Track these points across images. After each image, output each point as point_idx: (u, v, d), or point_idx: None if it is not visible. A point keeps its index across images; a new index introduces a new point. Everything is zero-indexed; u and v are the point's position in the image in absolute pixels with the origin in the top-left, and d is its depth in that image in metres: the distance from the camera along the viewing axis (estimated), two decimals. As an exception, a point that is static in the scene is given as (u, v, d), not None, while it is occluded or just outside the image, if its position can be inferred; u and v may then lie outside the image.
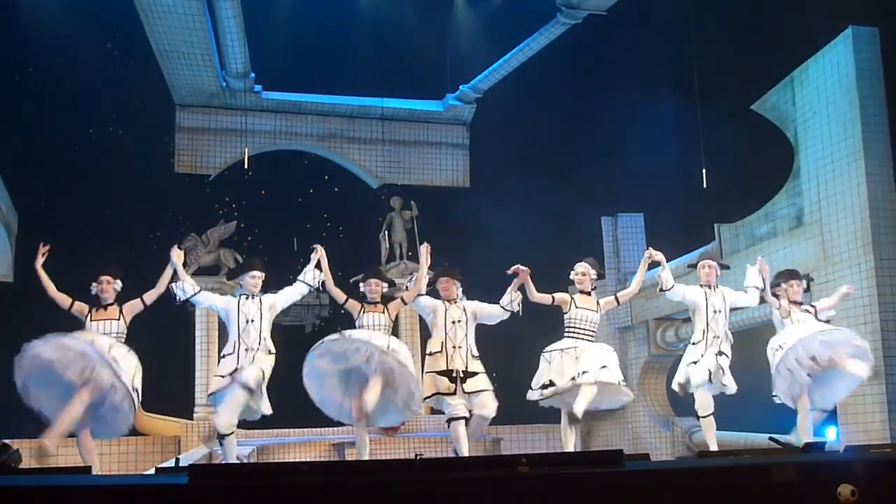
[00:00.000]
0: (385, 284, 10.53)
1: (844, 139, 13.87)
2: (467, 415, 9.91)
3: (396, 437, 17.03)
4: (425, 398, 9.95)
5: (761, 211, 15.81)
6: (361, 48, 19.54)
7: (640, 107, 18.11)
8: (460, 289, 10.45)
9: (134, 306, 9.93)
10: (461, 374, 9.91)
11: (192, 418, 17.58)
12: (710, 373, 10.46)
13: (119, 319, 9.77)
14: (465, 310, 10.27)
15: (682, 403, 15.80)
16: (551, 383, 10.25)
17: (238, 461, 10.14)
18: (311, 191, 20.58)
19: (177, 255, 10.04)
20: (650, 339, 18.43)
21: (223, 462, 9.71)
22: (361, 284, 10.53)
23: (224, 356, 9.78)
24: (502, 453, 15.97)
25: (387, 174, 21.05)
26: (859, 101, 13.66)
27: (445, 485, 5.59)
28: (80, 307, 9.73)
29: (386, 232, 20.21)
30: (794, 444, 9.80)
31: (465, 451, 9.85)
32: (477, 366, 10.05)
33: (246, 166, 18.47)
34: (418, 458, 6.08)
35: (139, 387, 9.53)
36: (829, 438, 11.84)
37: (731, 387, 10.55)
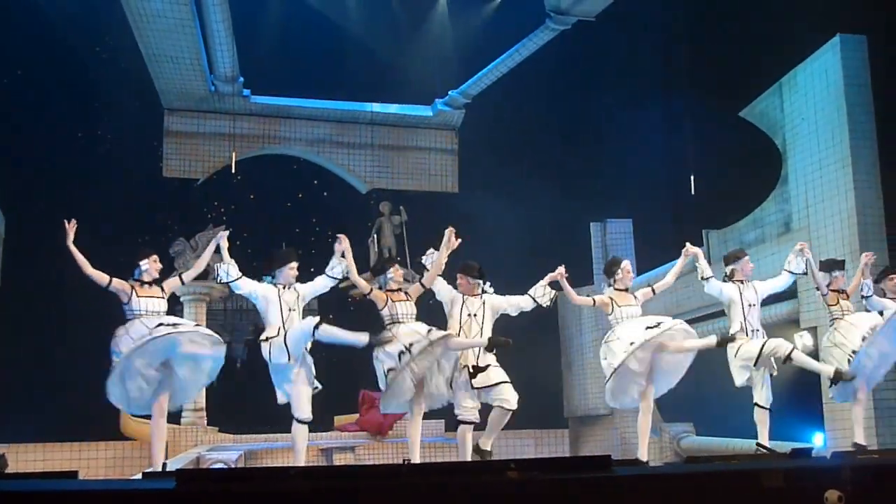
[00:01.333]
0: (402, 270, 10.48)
1: (832, 146, 13.92)
2: (477, 420, 9.89)
3: (384, 442, 17.02)
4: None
5: (749, 217, 15.85)
6: (350, 53, 19.54)
7: (629, 113, 18.15)
8: (486, 284, 10.44)
9: (173, 284, 10.27)
10: (471, 370, 9.83)
11: (179, 423, 17.54)
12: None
13: (162, 298, 10.01)
14: (484, 304, 10.26)
15: (670, 409, 15.85)
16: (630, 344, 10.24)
17: (225, 466, 10.14)
18: (300, 195, 20.56)
19: (224, 238, 10.04)
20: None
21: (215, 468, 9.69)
22: (381, 275, 10.47)
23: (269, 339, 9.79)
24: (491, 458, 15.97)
25: (376, 179, 21.04)
26: (847, 109, 13.71)
27: (433, 490, 5.58)
28: (120, 284, 9.84)
29: (375, 237, 20.21)
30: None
31: (467, 458, 9.84)
32: (489, 359, 9.93)
33: (234, 171, 18.45)
34: (406, 462, 6.07)
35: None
36: (817, 444, 11.86)
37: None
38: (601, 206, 19.27)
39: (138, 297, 9.80)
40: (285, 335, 9.66)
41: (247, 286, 10.20)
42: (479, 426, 10.11)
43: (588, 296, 10.96)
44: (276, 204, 20.00)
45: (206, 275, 18.49)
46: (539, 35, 18.56)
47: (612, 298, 10.65)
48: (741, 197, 16.17)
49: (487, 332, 10.05)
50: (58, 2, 17.23)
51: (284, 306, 10.02)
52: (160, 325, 9.51)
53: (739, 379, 10.63)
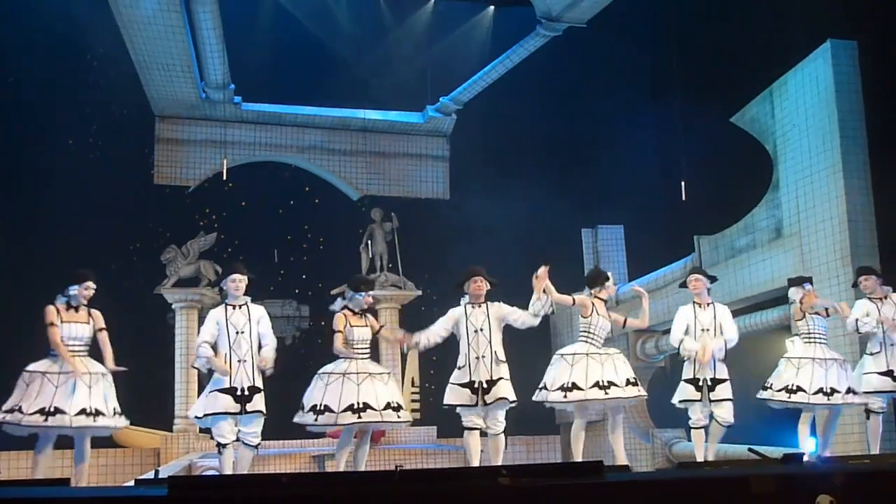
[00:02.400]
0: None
1: (823, 152, 13.95)
2: (482, 425, 9.72)
3: (377, 449, 17.00)
4: (445, 406, 9.74)
5: (741, 223, 15.88)
6: (341, 60, 19.57)
7: (620, 119, 18.19)
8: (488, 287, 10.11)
9: (98, 320, 9.61)
10: (484, 385, 9.62)
11: (171, 430, 17.53)
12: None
13: (87, 324, 9.48)
14: (488, 316, 9.92)
15: (662, 416, 15.86)
16: (575, 386, 10.17)
17: (217, 473, 10.10)
18: (292, 202, 20.56)
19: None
20: (631, 350, 18.44)
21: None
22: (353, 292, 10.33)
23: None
24: (483, 464, 15.97)
25: (367, 186, 21.05)
26: (838, 115, 13.74)
27: (425, 496, 5.58)
28: (52, 315, 9.36)
29: (367, 243, 20.20)
30: None
31: (475, 463, 9.66)
32: (503, 371, 9.73)
33: (225, 178, 18.44)
34: (398, 469, 6.06)
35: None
36: (809, 450, 11.86)
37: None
38: (592, 212, 19.30)
39: (63, 322, 9.33)
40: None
41: (209, 340, 9.57)
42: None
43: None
44: (267, 211, 20.00)
45: (196, 281, 18.64)
46: (530, 41, 18.59)
47: (593, 304, 10.56)
48: (732, 203, 16.20)
49: (497, 345, 9.81)
50: (49, 9, 17.22)
51: (231, 329, 9.52)
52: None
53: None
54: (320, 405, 9.64)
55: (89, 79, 18.13)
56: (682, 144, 16.55)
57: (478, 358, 9.71)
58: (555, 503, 5.65)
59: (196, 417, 9.38)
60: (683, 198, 16.31)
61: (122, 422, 9.46)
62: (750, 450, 10.31)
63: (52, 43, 17.40)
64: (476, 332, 9.80)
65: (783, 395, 10.73)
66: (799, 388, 10.61)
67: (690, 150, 16.54)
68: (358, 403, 9.57)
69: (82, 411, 9.08)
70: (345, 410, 9.54)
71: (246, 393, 9.28)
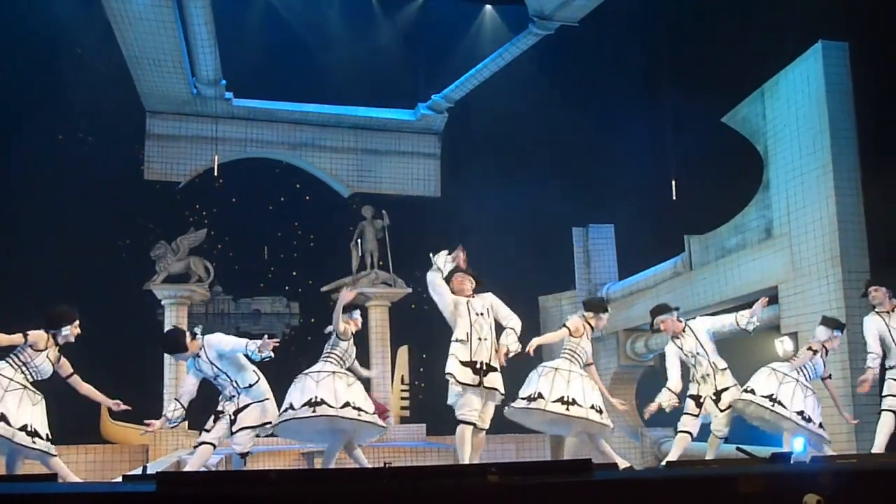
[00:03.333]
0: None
1: (814, 152, 13.97)
2: (476, 422, 9.70)
3: (365, 447, 16.99)
4: (448, 374, 9.65)
5: (731, 223, 15.90)
6: (333, 56, 19.55)
7: (612, 118, 18.21)
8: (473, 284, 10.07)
9: (67, 368, 9.60)
10: (484, 368, 9.64)
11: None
12: None
13: (54, 366, 9.51)
14: (491, 304, 10.01)
15: (652, 415, 15.87)
16: (540, 395, 10.22)
17: (206, 469, 10.08)
18: (282, 199, 20.56)
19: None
20: (620, 349, 18.48)
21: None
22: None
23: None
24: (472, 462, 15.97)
25: (358, 183, 21.02)
26: (829, 115, 13.75)
27: (414, 493, 5.58)
28: (38, 337, 9.40)
29: (357, 241, 20.18)
30: None
31: (465, 459, 9.64)
32: (496, 361, 9.78)
33: (216, 174, 18.42)
34: (387, 466, 6.07)
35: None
36: (797, 449, 11.89)
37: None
38: (583, 210, 19.31)
39: (38, 351, 9.32)
40: None
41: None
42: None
43: (562, 327, 10.85)
44: (258, 207, 19.98)
45: (186, 278, 18.62)
46: (522, 40, 18.57)
47: (584, 325, 10.61)
48: (723, 203, 16.22)
49: (493, 332, 9.86)
50: (39, 4, 17.18)
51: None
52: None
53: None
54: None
55: (80, 74, 18.07)
56: (673, 144, 16.59)
57: (479, 339, 9.73)
58: (544, 501, 5.65)
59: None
60: (674, 197, 16.34)
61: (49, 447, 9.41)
62: (738, 449, 10.32)
63: (43, 38, 17.37)
64: (478, 314, 9.84)
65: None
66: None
67: (681, 150, 16.58)
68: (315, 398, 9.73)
69: (23, 428, 9.09)
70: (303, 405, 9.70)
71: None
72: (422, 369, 19.15)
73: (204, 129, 19.85)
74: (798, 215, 14.23)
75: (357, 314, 10.59)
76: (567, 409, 10.13)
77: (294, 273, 20.21)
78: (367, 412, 9.93)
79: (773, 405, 10.63)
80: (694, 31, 16.71)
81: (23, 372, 9.23)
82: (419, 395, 19.16)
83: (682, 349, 10.92)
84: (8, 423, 8.94)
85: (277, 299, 20.66)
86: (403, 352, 19.42)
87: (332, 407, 9.70)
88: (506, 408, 10.36)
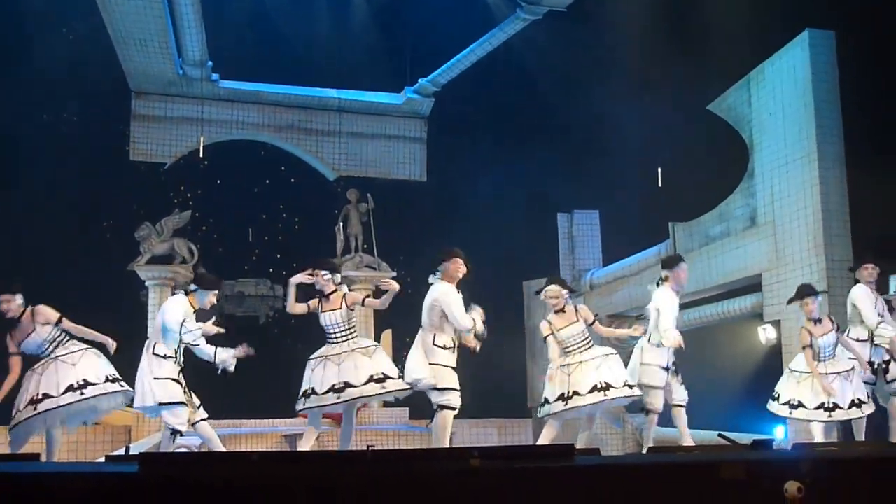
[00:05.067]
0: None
1: (799, 141, 14.00)
2: (458, 405, 9.75)
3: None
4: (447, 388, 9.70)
5: (715, 210, 15.94)
6: (320, 39, 19.47)
7: (597, 104, 18.18)
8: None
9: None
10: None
11: (143, 408, 17.48)
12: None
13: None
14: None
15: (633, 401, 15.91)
16: (576, 393, 10.27)
17: (188, 451, 10.08)
18: (267, 181, 20.51)
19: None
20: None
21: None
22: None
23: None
24: (454, 446, 16.01)
25: (343, 166, 21.00)
26: (814, 104, 13.79)
27: (396, 477, 5.59)
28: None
29: (342, 224, 20.15)
30: None
31: (444, 445, 9.65)
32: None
33: (202, 155, 18.37)
34: (369, 449, 6.07)
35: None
36: (778, 437, 11.95)
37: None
38: (568, 196, 19.33)
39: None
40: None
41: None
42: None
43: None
44: (243, 190, 19.93)
45: (170, 259, 18.58)
46: (510, 25, 18.58)
47: (550, 323, 10.72)
48: (708, 190, 16.26)
49: None
50: (24, -17, 17.12)
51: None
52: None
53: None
54: (308, 389, 9.66)
55: (65, 54, 17.95)
56: (659, 131, 16.59)
57: (455, 344, 9.86)
58: (525, 485, 5.66)
59: None
60: (659, 184, 16.36)
61: (114, 387, 9.52)
62: (720, 435, 10.37)
63: (28, 17, 17.26)
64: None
65: (785, 410, 10.79)
66: (800, 404, 10.67)
67: (667, 137, 16.59)
68: (339, 383, 9.59)
69: (69, 388, 9.13)
70: (327, 392, 9.56)
71: None
72: (405, 353, 19.13)
73: (190, 111, 19.80)
74: (782, 204, 14.27)
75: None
76: (605, 394, 10.24)
77: (278, 256, 20.18)
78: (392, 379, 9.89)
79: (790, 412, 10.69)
80: (681, 18, 16.70)
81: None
82: (402, 378, 19.14)
83: None
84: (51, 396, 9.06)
85: (261, 282, 20.63)
86: (387, 335, 19.40)
87: (355, 387, 9.64)
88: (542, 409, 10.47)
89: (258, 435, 16.79)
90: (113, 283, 17.91)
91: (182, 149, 19.78)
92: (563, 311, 10.55)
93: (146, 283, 18.50)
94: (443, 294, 9.64)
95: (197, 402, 9.72)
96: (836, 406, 10.47)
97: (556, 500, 5.66)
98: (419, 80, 20.64)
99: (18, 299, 9.67)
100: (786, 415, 10.86)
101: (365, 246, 20.04)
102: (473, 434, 17.48)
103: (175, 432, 9.38)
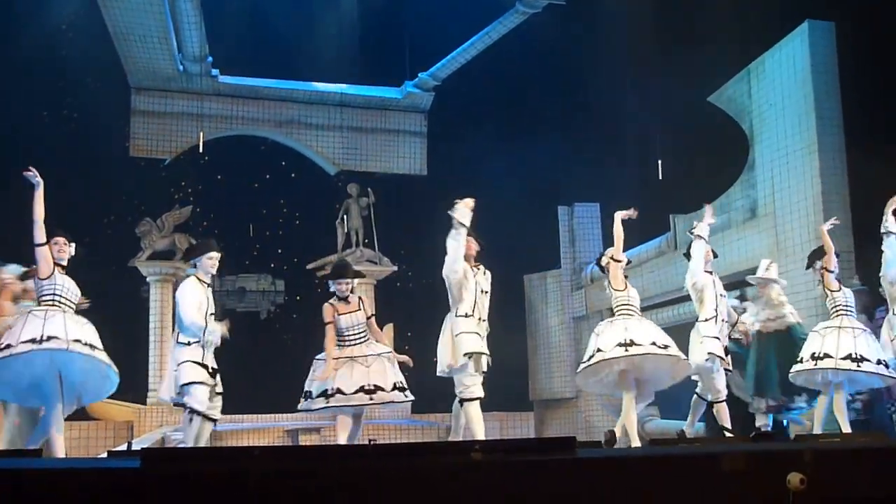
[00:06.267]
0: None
1: (799, 132, 14.00)
2: (482, 395, 9.69)
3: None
4: (465, 354, 9.54)
5: (716, 202, 15.90)
6: (320, 34, 19.45)
7: (597, 97, 18.18)
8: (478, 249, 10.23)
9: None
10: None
11: (145, 403, 17.51)
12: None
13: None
14: (488, 282, 10.05)
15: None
16: (599, 350, 10.26)
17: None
18: (268, 176, 20.50)
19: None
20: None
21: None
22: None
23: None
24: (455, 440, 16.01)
25: (344, 161, 20.98)
26: (814, 95, 13.79)
27: (398, 470, 5.59)
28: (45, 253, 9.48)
29: (343, 218, 20.14)
30: None
31: (481, 435, 9.50)
32: None
33: (202, 151, 18.37)
34: (371, 443, 6.08)
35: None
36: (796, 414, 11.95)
37: None
38: (568, 189, 19.32)
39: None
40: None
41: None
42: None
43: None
44: (243, 185, 19.93)
45: (171, 255, 18.58)
46: (509, 18, 18.56)
47: (625, 277, 10.77)
48: (708, 182, 16.24)
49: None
50: (25, -21, 17.10)
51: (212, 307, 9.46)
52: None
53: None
54: (332, 389, 9.59)
55: (65, 51, 17.96)
56: (660, 123, 16.59)
57: (479, 319, 9.80)
58: (527, 478, 5.67)
59: None
60: (660, 176, 16.36)
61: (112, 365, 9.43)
62: (722, 427, 10.39)
63: (27, 13, 17.24)
64: (483, 293, 9.88)
65: (809, 364, 10.59)
66: (826, 355, 10.49)
67: (667, 129, 16.58)
68: (369, 385, 9.60)
69: (77, 341, 8.97)
70: (356, 392, 9.56)
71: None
72: (407, 347, 19.12)
73: (190, 106, 19.78)
74: (783, 195, 14.27)
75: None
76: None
77: (279, 251, 20.19)
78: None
79: (815, 363, 10.56)
80: (680, 10, 16.68)
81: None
82: (404, 372, 19.14)
83: None
84: (58, 338, 8.79)
85: (262, 277, 20.63)
86: (388, 329, 19.40)
87: (386, 392, 9.65)
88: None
89: (260, 430, 16.81)
90: (114, 278, 17.91)
91: (182, 144, 19.76)
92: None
93: (147, 279, 18.51)
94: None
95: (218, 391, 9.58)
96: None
97: (558, 492, 5.67)
98: (419, 75, 20.62)
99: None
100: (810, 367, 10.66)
101: (366, 240, 20.03)
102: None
103: (193, 412, 9.22)
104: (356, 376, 9.56)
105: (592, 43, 18.37)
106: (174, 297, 9.93)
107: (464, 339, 9.57)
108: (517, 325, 19.68)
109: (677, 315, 15.62)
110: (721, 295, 10.86)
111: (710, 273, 10.87)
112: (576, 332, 18.90)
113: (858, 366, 10.17)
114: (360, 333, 9.89)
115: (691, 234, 11.02)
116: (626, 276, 10.82)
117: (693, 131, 16.54)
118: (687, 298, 12.12)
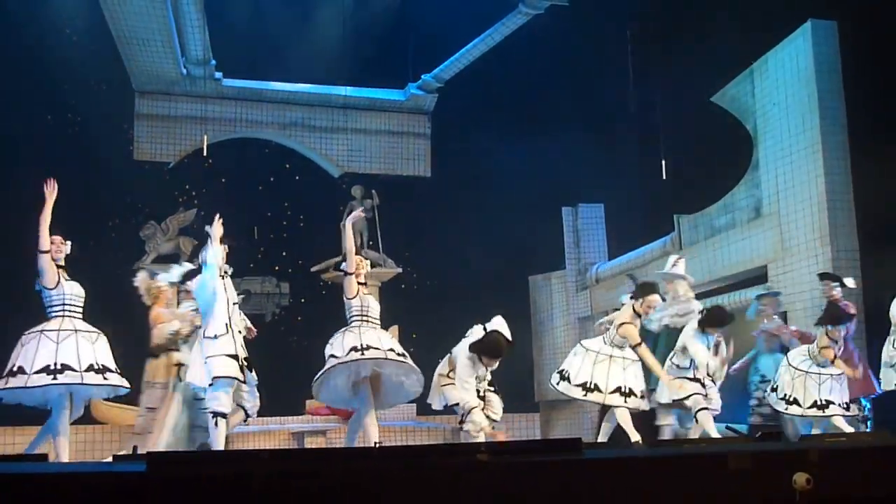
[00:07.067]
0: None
1: (803, 131, 13.99)
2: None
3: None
4: None
5: (720, 202, 15.92)
6: (323, 36, 19.45)
7: (601, 98, 18.18)
8: None
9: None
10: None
11: (150, 407, 17.48)
12: None
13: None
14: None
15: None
16: (596, 388, 10.34)
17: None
18: (272, 179, 20.48)
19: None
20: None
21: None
22: None
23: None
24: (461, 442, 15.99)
25: (348, 163, 20.97)
26: (818, 94, 13.78)
27: (404, 472, 5.60)
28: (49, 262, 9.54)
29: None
30: None
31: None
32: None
33: (206, 154, 18.38)
34: (377, 445, 6.08)
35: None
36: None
37: None
38: (573, 190, 19.31)
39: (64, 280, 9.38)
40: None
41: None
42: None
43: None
44: (247, 188, 19.90)
45: (176, 258, 18.57)
46: (512, 19, 18.55)
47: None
48: (712, 182, 16.24)
49: None
50: (28, -17, 17.11)
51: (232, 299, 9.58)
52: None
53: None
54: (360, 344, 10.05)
55: (68, 54, 17.95)
56: (663, 123, 16.58)
57: None
58: (533, 480, 5.67)
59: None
60: (664, 177, 16.36)
61: (125, 383, 9.48)
62: (728, 427, 10.39)
63: (31, 17, 17.25)
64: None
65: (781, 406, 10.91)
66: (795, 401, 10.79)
67: (671, 129, 16.57)
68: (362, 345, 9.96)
69: (91, 368, 9.00)
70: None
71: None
72: (412, 349, 19.07)
73: (193, 109, 19.79)
74: (787, 194, 14.26)
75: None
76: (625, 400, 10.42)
77: (284, 253, 20.17)
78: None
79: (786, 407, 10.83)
80: (683, 9, 16.68)
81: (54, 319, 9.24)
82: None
83: None
84: (72, 369, 8.89)
85: (267, 279, 20.60)
86: (394, 331, 19.38)
87: (378, 349, 9.81)
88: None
89: (267, 433, 16.80)
90: (118, 282, 17.90)
91: (186, 147, 19.76)
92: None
93: (153, 281, 18.49)
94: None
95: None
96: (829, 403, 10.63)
97: (565, 493, 5.67)
98: (422, 77, 20.62)
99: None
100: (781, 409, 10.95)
101: (370, 242, 20.01)
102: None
103: (217, 415, 9.19)
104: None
105: (595, 44, 18.38)
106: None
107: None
108: (522, 326, 19.65)
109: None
110: None
111: None
112: (581, 332, 18.85)
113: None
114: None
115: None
116: None
117: (697, 131, 16.53)
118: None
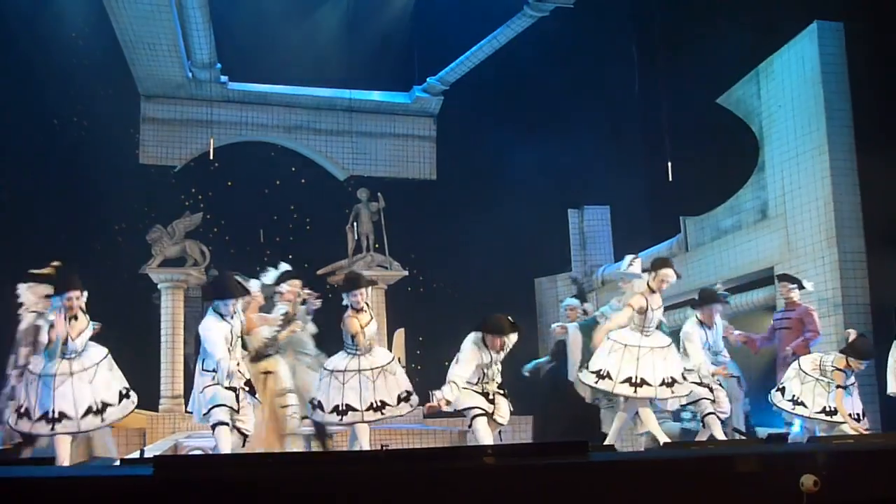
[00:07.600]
0: None
1: (809, 133, 13.98)
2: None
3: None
4: None
5: (726, 204, 15.92)
6: (328, 39, 19.47)
7: (606, 100, 18.18)
8: None
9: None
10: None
11: (157, 410, 17.50)
12: None
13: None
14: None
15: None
16: (608, 375, 10.26)
17: (203, 453, 10.09)
18: (278, 182, 20.48)
19: None
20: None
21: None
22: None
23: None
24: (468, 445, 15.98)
25: (354, 166, 20.97)
26: (824, 96, 13.77)
27: (411, 475, 5.59)
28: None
29: (353, 224, 20.12)
30: None
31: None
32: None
33: (211, 157, 18.38)
34: (383, 448, 6.08)
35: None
36: (793, 430, 11.94)
37: None
38: (579, 192, 19.32)
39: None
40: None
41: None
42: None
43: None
44: (253, 191, 19.91)
45: (182, 262, 18.59)
46: (517, 22, 18.56)
47: (647, 299, 10.44)
48: (718, 184, 16.23)
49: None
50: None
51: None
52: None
53: None
54: (342, 405, 9.85)
55: (74, 59, 17.99)
56: (669, 125, 16.57)
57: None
58: (539, 482, 5.67)
59: None
60: (670, 179, 16.34)
61: (129, 406, 9.48)
62: (734, 429, 10.37)
63: (37, 22, 17.29)
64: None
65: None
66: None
67: (677, 131, 16.56)
68: (376, 402, 9.86)
69: (89, 411, 9.05)
70: (367, 409, 9.78)
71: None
72: (418, 352, 19.13)
73: (199, 113, 19.78)
74: (793, 196, 14.25)
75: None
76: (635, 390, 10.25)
77: (290, 256, 20.07)
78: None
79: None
80: (689, 11, 16.67)
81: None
82: (416, 377, 19.11)
83: None
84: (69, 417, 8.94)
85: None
86: (400, 335, 19.38)
87: (357, 411, 9.78)
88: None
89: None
90: (125, 286, 17.93)
91: (192, 151, 19.78)
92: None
93: (158, 286, 18.49)
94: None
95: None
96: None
97: (572, 495, 5.66)
98: (427, 79, 20.62)
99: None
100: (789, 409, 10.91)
101: (376, 245, 20.00)
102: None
103: (216, 425, 9.18)
104: (364, 393, 9.83)
105: (601, 46, 18.38)
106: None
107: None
108: (528, 329, 19.63)
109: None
110: None
111: None
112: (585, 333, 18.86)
113: None
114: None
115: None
116: None
117: (703, 133, 16.52)
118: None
